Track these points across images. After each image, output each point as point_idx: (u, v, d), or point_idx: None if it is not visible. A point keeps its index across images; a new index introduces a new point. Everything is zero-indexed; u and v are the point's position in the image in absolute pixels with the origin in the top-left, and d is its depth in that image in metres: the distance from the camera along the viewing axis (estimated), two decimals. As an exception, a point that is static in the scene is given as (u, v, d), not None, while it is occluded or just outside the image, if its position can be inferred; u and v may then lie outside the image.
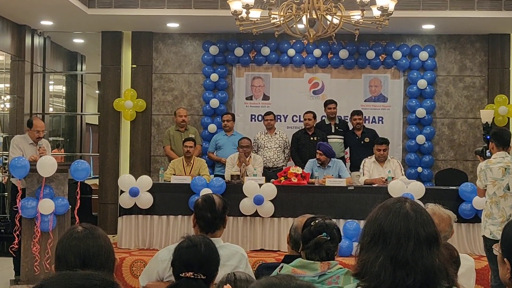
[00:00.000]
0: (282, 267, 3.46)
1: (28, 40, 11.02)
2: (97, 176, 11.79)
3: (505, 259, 2.34)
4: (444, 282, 2.26)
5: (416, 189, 8.29)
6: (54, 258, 2.54)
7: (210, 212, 4.02)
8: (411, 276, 2.16)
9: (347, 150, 10.33)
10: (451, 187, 8.78)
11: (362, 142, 9.91)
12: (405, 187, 8.32)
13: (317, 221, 3.59)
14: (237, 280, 2.81)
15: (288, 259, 3.84)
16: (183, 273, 3.02)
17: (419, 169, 10.99)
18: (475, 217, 8.23)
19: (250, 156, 9.42)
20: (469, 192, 8.25)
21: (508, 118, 10.88)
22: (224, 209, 4.09)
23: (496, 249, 2.41)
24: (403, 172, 9.28)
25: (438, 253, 2.24)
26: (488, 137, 6.81)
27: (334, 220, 7.94)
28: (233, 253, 4.00)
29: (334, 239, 3.55)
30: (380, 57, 11.22)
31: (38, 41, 11.48)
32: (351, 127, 10.28)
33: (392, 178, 8.74)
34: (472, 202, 8.17)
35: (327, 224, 3.60)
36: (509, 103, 10.86)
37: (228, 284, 2.69)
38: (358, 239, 2.39)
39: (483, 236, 6.41)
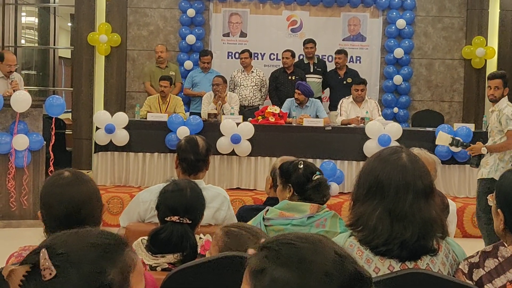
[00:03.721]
0: (267, 210, 3.43)
1: (-1, -30, 10.70)
2: (69, 110, 11.62)
3: (498, 210, 2.33)
4: (438, 232, 2.25)
5: (393, 130, 8.30)
6: (40, 205, 2.45)
7: (193, 154, 3.95)
8: (409, 229, 2.14)
9: (325, 90, 10.28)
10: (428, 129, 8.79)
11: (345, 82, 9.81)
12: (382, 128, 8.32)
13: (302, 163, 3.56)
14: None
15: (271, 202, 3.81)
16: (169, 217, 2.99)
17: (395, 109, 10.99)
18: (451, 159, 8.29)
19: (226, 94, 9.32)
20: (446, 134, 8.26)
21: (485, 60, 10.87)
22: (207, 151, 4.03)
23: (491, 200, 2.40)
24: (380, 113, 9.27)
25: (434, 204, 2.22)
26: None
27: (311, 159, 7.97)
28: (216, 195, 3.97)
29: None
30: (360, -4, 11.08)
31: (9, -29, 11.15)
32: (330, 67, 10.20)
33: (369, 118, 8.73)
34: (449, 144, 8.21)
35: (313, 164, 3.61)
36: (486, 44, 10.84)
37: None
38: (352, 191, 2.36)
39: (490, 179, 6.32)
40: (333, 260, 1.26)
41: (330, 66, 10.43)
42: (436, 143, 7.56)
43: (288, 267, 1.24)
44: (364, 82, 9.19)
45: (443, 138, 7.05)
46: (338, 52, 10.03)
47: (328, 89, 10.27)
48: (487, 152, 6.48)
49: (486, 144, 6.56)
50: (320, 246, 1.29)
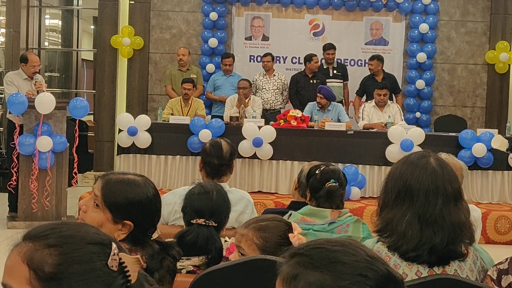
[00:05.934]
0: (290, 214, 3.43)
1: (24, -27, 10.79)
2: (91, 112, 11.68)
3: None
4: (466, 238, 2.24)
5: (415, 135, 8.25)
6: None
7: (217, 158, 3.95)
8: (438, 234, 2.13)
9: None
10: (451, 134, 8.74)
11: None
12: (405, 132, 8.28)
13: (322, 168, 3.55)
14: None
15: (295, 206, 3.80)
16: (194, 220, 2.99)
17: (417, 114, 10.94)
18: (474, 164, 8.23)
19: (249, 98, 9.33)
20: (469, 139, 8.21)
21: (509, 65, 10.80)
22: (231, 155, 4.03)
23: None
24: (403, 118, 9.23)
25: (463, 209, 2.21)
26: None
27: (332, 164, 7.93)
28: (239, 198, 3.97)
29: (342, 185, 3.53)
30: (382, 0, 11.03)
31: (34, -26, 11.24)
32: (352, 71, 10.18)
33: (392, 123, 8.70)
34: (472, 150, 8.14)
35: (333, 170, 3.56)
36: (510, 49, 10.75)
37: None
38: (379, 196, 2.35)
39: None
40: (366, 261, 1.26)
41: (352, 70, 10.42)
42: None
43: (321, 270, 1.24)
44: (386, 86, 9.14)
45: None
46: (371, 58, 9.95)
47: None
48: None
49: None
50: (351, 248, 1.29)
